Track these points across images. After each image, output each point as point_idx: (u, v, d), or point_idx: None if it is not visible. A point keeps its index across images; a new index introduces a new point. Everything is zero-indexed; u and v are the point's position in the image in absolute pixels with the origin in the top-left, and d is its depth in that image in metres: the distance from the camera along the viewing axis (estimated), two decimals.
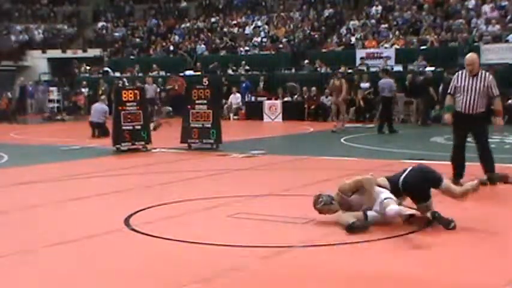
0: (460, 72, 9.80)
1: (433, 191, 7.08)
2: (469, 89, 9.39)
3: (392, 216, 6.62)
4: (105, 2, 42.00)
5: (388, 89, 19.71)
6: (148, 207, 8.14)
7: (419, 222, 6.82)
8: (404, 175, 7.08)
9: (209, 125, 15.01)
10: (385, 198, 6.77)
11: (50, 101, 31.84)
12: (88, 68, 33.47)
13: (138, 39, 36.33)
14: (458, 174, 9.51)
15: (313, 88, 25.47)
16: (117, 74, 31.61)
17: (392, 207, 6.60)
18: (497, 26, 26.33)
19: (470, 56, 9.67)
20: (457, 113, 9.55)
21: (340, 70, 24.43)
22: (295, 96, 26.27)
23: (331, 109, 21.62)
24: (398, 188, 7.02)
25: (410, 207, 7.00)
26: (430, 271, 5.44)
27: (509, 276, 5.10)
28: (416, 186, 6.99)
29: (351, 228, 6.56)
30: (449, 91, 9.75)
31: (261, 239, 6.47)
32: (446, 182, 7.21)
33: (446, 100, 9.81)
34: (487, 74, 9.56)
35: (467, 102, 9.39)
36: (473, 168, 10.21)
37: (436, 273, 5.37)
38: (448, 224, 6.54)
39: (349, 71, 26.35)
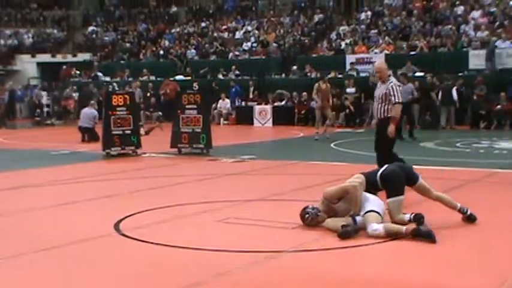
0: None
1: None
2: (376, 96, 9.62)
3: (370, 235, 6.60)
4: (95, 7, 41.94)
5: (408, 93, 18.72)
6: (138, 212, 8.13)
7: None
8: (383, 169, 7.26)
9: (199, 130, 15.01)
10: (369, 211, 6.79)
11: (39, 105, 31.69)
12: (78, 72, 33.41)
13: (128, 44, 36.29)
14: None
15: (304, 93, 25.51)
16: (107, 79, 31.55)
17: (373, 226, 6.59)
18: (486, 32, 26.50)
19: (379, 63, 9.85)
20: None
21: (329, 75, 24.39)
22: (285, 101, 26.31)
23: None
24: (376, 182, 7.14)
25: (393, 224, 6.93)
26: (422, 275, 5.46)
27: (503, 278, 5.13)
28: (394, 179, 7.10)
29: (344, 234, 6.55)
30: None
31: (251, 244, 6.47)
32: (422, 181, 7.32)
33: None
34: (394, 81, 9.59)
35: (376, 108, 9.68)
36: (460, 173, 10.26)
37: (428, 276, 5.39)
38: (429, 236, 6.48)
39: (339, 76, 26.45)
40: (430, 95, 22.53)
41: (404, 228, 6.61)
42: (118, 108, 14.85)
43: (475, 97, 22.58)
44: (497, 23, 27.23)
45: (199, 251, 6.25)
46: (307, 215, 7.08)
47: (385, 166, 7.35)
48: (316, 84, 19.32)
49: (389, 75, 9.77)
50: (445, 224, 7.05)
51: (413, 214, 6.91)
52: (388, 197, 7.07)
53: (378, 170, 7.30)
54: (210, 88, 26.10)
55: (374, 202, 6.91)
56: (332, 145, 17.21)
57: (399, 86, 9.71)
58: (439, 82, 23.30)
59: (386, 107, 9.47)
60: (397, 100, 9.38)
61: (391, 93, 9.35)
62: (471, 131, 21.41)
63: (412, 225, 6.69)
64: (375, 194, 7.19)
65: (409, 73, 25.11)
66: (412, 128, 18.85)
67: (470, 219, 7.23)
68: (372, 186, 7.15)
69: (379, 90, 9.55)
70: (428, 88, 22.74)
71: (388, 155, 9.38)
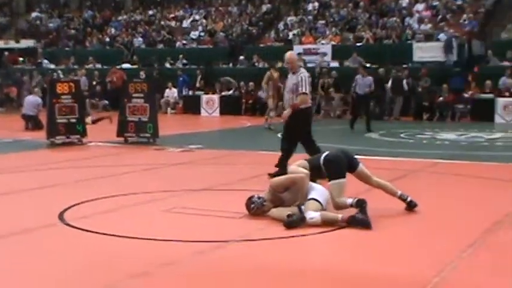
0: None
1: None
2: (287, 86, 9.82)
3: (307, 222, 6.69)
4: None
5: (366, 86, 18.72)
6: (83, 202, 8.04)
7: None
8: (325, 153, 7.41)
9: (146, 119, 14.90)
10: (309, 199, 6.90)
11: None
12: (21, 59, 32.66)
13: (73, 31, 35.64)
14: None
15: (251, 83, 25.56)
16: (52, 66, 30.95)
17: (310, 214, 6.69)
18: (429, 25, 27.03)
19: (290, 54, 10.05)
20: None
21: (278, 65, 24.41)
22: (232, 91, 26.27)
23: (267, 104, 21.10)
24: (319, 167, 7.25)
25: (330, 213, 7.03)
26: (363, 264, 5.58)
27: (438, 268, 5.27)
28: (337, 162, 7.25)
29: (290, 224, 6.62)
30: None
31: (197, 234, 6.48)
32: (363, 167, 7.47)
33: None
34: (304, 72, 9.74)
35: (286, 99, 9.82)
36: (404, 163, 10.45)
37: (368, 266, 5.52)
38: (365, 224, 6.63)
39: (280, 65, 26.53)
40: (384, 87, 22.87)
41: (340, 216, 6.74)
42: (63, 96, 14.63)
43: (419, 89, 23.02)
44: (440, 16, 27.80)
45: (145, 240, 6.23)
46: (252, 205, 7.13)
47: (328, 151, 7.48)
48: (268, 73, 19.24)
49: (300, 66, 10.07)
50: (386, 213, 7.22)
51: (356, 199, 7.04)
52: (329, 180, 7.19)
53: (321, 155, 7.42)
54: (152, 77, 25.83)
55: (318, 191, 7.00)
56: (279, 135, 17.27)
57: (309, 77, 9.77)
58: (386, 73, 23.68)
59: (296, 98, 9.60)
60: (304, 90, 9.50)
61: (300, 83, 9.47)
62: (414, 122, 21.85)
63: (349, 213, 6.82)
64: (318, 179, 7.29)
65: (354, 64, 25.47)
66: (369, 120, 18.65)
67: (410, 205, 7.41)
68: (315, 171, 7.25)
69: (290, 81, 9.71)
70: (383, 80, 23.06)
71: (286, 147, 9.77)
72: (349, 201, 7.07)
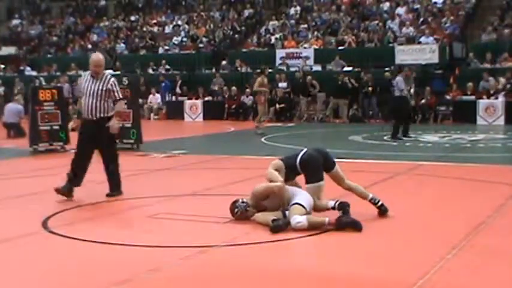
0: (87, 73, 9.09)
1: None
2: (90, 92, 8.73)
3: (294, 227, 6.67)
4: None
5: (397, 87, 17.11)
6: (67, 209, 8.00)
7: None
8: (301, 154, 7.25)
9: (129, 125, 14.85)
10: (294, 203, 6.87)
11: None
12: (3, 66, 32.46)
13: (55, 38, 35.48)
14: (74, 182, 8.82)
15: (234, 88, 25.59)
16: (34, 73, 30.76)
17: (296, 218, 6.67)
18: (411, 28, 27.22)
19: (98, 56, 8.99)
20: (83, 118, 8.97)
21: (268, 69, 24.45)
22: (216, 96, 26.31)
23: (255, 109, 20.97)
24: (295, 167, 7.18)
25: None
26: (349, 267, 5.59)
27: (422, 272, 5.30)
28: (313, 163, 7.15)
29: (275, 228, 6.60)
30: (81, 95, 9.12)
31: (182, 239, 6.46)
32: (338, 168, 7.39)
33: (78, 104, 9.46)
34: (112, 77, 8.95)
35: (90, 105, 8.72)
36: (387, 166, 10.46)
37: (354, 268, 5.53)
38: (354, 226, 6.64)
39: (270, 70, 26.61)
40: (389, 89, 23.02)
41: (327, 219, 6.73)
42: (45, 103, 14.56)
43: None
44: (421, 20, 28.01)
45: (129, 247, 6.21)
46: (236, 209, 7.13)
47: (305, 150, 7.33)
48: (259, 78, 19.21)
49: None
50: (369, 216, 7.20)
51: (338, 202, 7.05)
52: (306, 182, 7.15)
53: (298, 155, 7.27)
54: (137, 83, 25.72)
55: (302, 196, 6.98)
56: (263, 139, 17.33)
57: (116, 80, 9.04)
58: (366, 76, 23.86)
59: (106, 104, 8.74)
60: (120, 96, 8.97)
61: (114, 89, 8.77)
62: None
63: (335, 215, 6.83)
64: (294, 179, 7.26)
65: (337, 68, 25.62)
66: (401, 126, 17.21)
67: (381, 209, 7.29)
68: (291, 171, 7.20)
69: (94, 85, 8.70)
70: (386, 82, 23.24)
71: (115, 153, 9.04)
72: (331, 203, 7.09)
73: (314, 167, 7.16)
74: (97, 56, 8.98)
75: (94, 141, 8.82)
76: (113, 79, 8.90)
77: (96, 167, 11.32)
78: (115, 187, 8.95)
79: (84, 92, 8.80)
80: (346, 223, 6.66)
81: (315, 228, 6.66)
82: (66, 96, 23.61)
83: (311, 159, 7.19)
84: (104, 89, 8.71)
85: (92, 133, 8.78)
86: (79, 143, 8.95)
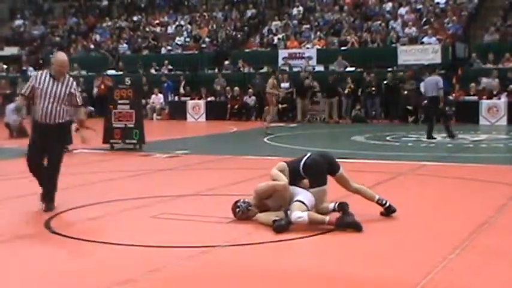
0: (43, 72, 8.29)
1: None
2: (51, 94, 7.94)
3: (294, 222, 6.70)
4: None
5: (432, 88, 16.62)
6: (70, 209, 8.01)
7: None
8: (305, 158, 7.24)
9: (132, 125, 14.87)
10: (295, 201, 6.89)
11: None
12: (5, 66, 32.51)
13: (57, 38, 35.52)
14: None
15: (236, 88, 25.61)
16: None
17: (297, 214, 6.70)
18: (414, 28, 27.19)
19: (63, 56, 8.28)
20: (35, 122, 8.06)
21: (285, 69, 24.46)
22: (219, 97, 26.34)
23: (258, 109, 20.93)
24: (299, 172, 7.17)
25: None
26: (350, 267, 5.59)
27: (425, 270, 5.29)
28: (316, 168, 7.14)
29: (278, 228, 6.61)
30: (23, 92, 8.17)
31: (184, 239, 6.47)
32: (343, 172, 7.36)
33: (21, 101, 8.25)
34: (71, 79, 8.26)
35: (48, 108, 7.92)
36: (390, 166, 10.45)
37: (356, 269, 5.53)
38: (354, 226, 6.65)
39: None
40: (399, 91, 23.15)
41: (327, 218, 6.75)
42: None
43: (405, 92, 23.15)
44: (424, 20, 27.99)
45: (131, 247, 6.21)
46: (238, 209, 7.15)
47: (308, 154, 7.32)
48: (271, 80, 19.28)
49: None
50: (371, 217, 7.20)
51: (337, 203, 7.05)
52: (310, 187, 7.15)
53: (302, 159, 7.25)
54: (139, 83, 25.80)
55: (303, 194, 6.99)
56: (265, 139, 17.34)
57: None
58: (369, 77, 23.88)
59: (65, 109, 8.03)
60: (82, 102, 8.32)
61: (77, 93, 8.15)
62: (400, 125, 21.95)
63: (336, 215, 6.84)
64: (299, 183, 7.22)
65: (340, 68, 25.63)
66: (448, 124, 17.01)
67: (389, 210, 7.29)
68: (295, 175, 7.19)
69: (56, 88, 7.94)
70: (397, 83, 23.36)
71: (57, 170, 8.14)
72: (331, 206, 7.11)
73: (317, 172, 7.16)
74: (63, 56, 8.22)
75: (46, 149, 8.00)
76: (75, 82, 8.24)
77: (92, 167, 11.37)
78: (49, 199, 8.02)
79: (41, 94, 7.88)
80: (348, 223, 6.67)
81: (315, 224, 6.67)
82: None
83: (314, 164, 7.18)
84: (67, 92, 7.98)
85: (47, 140, 7.93)
86: (33, 152, 8.05)
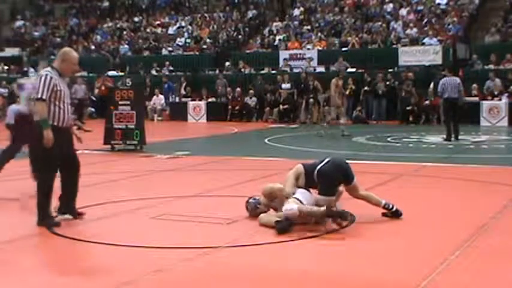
0: (51, 70, 7.37)
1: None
2: (67, 96, 7.45)
3: (286, 215, 6.77)
4: (24, 0, 40.87)
5: (452, 89, 16.30)
6: None
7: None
8: (321, 164, 7.22)
9: (133, 126, 14.87)
10: (292, 198, 6.97)
11: None
12: (6, 67, 32.53)
13: (58, 39, 35.54)
14: None
15: (238, 89, 25.62)
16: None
17: (288, 206, 6.78)
18: (414, 29, 27.19)
19: (75, 53, 7.70)
20: (58, 128, 7.26)
21: (347, 70, 24.15)
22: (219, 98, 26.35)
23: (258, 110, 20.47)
24: (313, 176, 7.17)
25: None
26: (351, 269, 5.60)
27: (427, 271, 5.30)
28: (328, 178, 7.13)
29: (281, 229, 6.62)
30: (43, 97, 7.17)
31: (185, 240, 6.47)
32: (357, 181, 7.37)
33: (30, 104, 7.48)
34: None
35: (67, 112, 7.40)
36: (391, 167, 10.45)
37: (357, 270, 5.53)
38: (341, 216, 6.72)
39: (273, 72, 26.67)
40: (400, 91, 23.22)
41: (316, 208, 6.85)
42: None
43: (403, 93, 23.15)
44: (425, 21, 27.99)
45: (133, 248, 6.22)
46: (248, 206, 7.40)
47: (327, 160, 7.29)
48: (334, 80, 18.39)
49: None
50: (372, 218, 7.23)
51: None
52: (319, 193, 7.18)
53: (318, 164, 7.26)
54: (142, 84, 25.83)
55: (301, 193, 7.08)
56: (266, 140, 17.35)
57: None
58: (370, 77, 23.91)
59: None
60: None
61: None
62: (401, 126, 21.95)
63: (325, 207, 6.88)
64: (310, 188, 7.26)
65: (341, 69, 25.59)
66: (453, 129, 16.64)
67: (396, 214, 7.33)
68: (309, 179, 7.20)
69: (66, 88, 7.50)
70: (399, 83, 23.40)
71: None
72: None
73: (328, 182, 7.14)
74: (76, 53, 7.66)
75: (67, 156, 7.47)
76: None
77: (92, 168, 11.37)
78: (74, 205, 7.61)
79: (60, 96, 7.25)
80: (335, 213, 6.76)
81: (306, 216, 6.76)
82: (82, 97, 23.95)
83: (328, 175, 7.14)
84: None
85: (68, 145, 7.50)
86: (54, 162, 7.28)
